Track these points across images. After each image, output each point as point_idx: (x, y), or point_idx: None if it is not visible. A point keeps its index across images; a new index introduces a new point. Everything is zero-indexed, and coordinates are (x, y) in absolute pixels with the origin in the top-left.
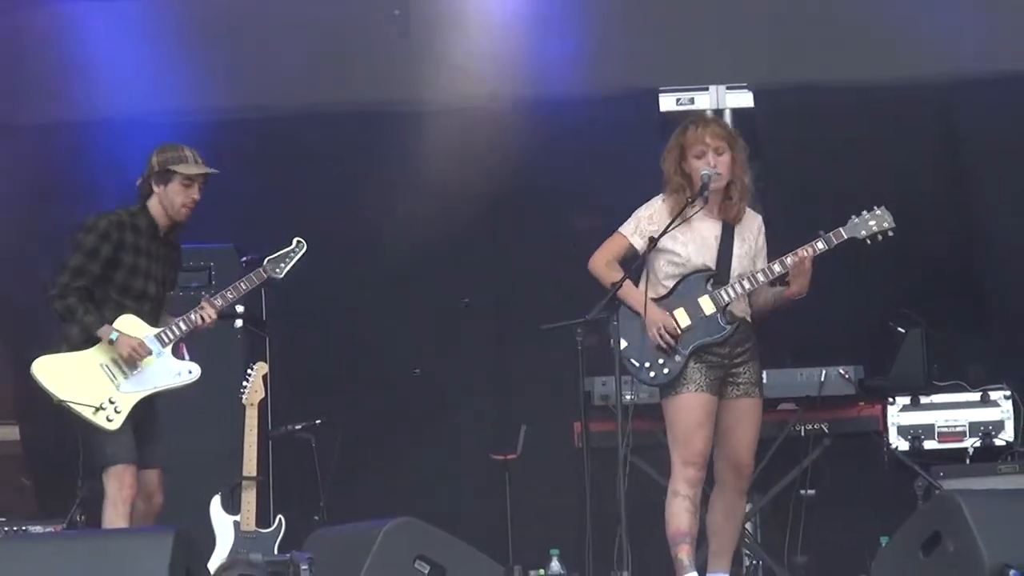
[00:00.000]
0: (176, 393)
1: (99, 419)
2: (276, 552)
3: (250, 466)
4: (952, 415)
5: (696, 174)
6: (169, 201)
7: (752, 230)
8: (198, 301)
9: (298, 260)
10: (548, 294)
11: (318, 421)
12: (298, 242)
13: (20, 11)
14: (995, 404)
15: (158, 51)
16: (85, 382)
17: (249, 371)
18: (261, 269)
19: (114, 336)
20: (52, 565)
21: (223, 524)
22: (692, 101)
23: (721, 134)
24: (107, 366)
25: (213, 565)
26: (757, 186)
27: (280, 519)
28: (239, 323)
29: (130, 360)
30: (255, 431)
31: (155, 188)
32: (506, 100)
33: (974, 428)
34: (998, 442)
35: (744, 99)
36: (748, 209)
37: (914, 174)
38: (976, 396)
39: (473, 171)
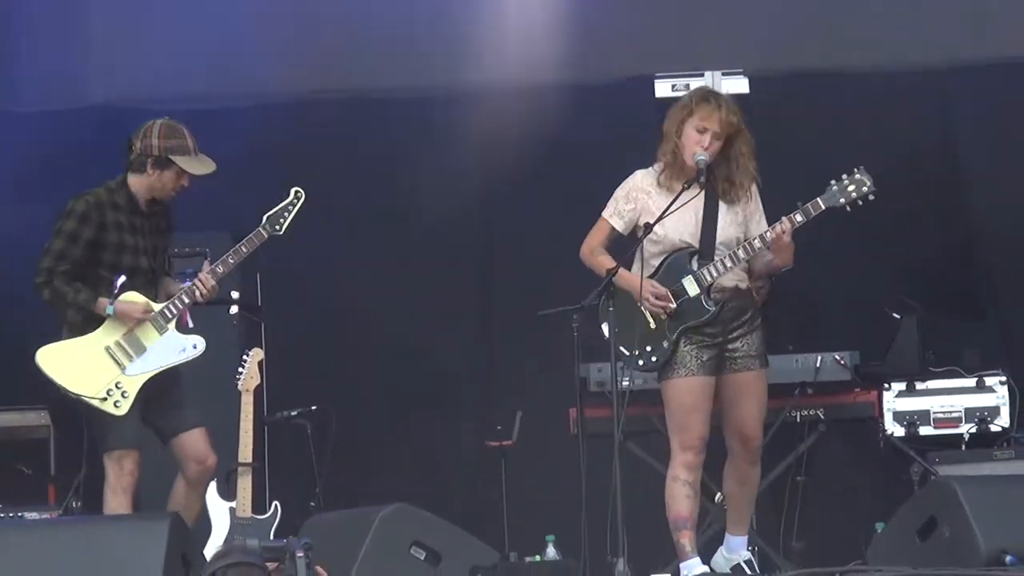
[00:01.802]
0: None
1: (107, 406)
2: (272, 538)
3: (246, 452)
4: (948, 401)
5: (688, 145)
6: (161, 185)
7: (746, 201)
8: (275, 222)
9: (297, 212)
10: (543, 281)
11: (314, 407)
12: (296, 192)
13: None
14: (991, 390)
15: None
16: (91, 369)
17: (245, 357)
18: (261, 228)
19: (110, 309)
20: (47, 552)
21: (219, 510)
22: (688, 87)
23: (732, 123)
24: (111, 349)
25: (209, 551)
26: None
27: (276, 505)
28: (234, 309)
29: (141, 322)
30: (251, 417)
31: (149, 170)
32: (508, 86)
33: (970, 414)
34: (994, 428)
35: (740, 85)
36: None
37: (908, 160)
38: (972, 382)
39: (467, 158)
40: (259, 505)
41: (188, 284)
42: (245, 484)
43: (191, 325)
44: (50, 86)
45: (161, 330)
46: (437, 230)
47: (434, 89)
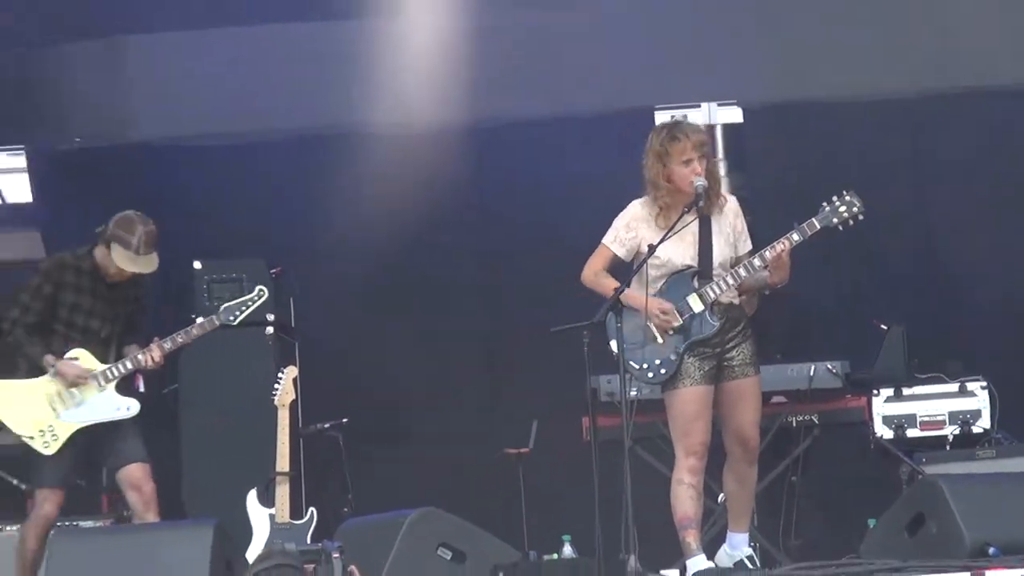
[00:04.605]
0: (215, 397)
1: (36, 444)
2: (309, 542)
3: (283, 463)
4: (933, 405)
5: (683, 181)
6: (104, 264)
7: (728, 216)
8: (231, 313)
9: (256, 308)
10: (554, 300)
11: (344, 420)
12: (259, 290)
13: None
14: (972, 394)
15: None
16: (29, 409)
17: (280, 375)
18: (215, 317)
19: (52, 370)
20: (102, 557)
21: (259, 517)
22: (686, 117)
23: (704, 140)
24: (51, 396)
25: (251, 555)
26: (741, 195)
27: (312, 511)
28: (270, 331)
29: (75, 383)
30: (287, 430)
31: (102, 247)
32: (509, 117)
33: (953, 417)
34: (976, 429)
35: (734, 115)
36: (724, 197)
37: (886, 183)
38: (955, 387)
39: (479, 188)
40: (296, 511)
41: (139, 355)
42: (283, 492)
43: (141, 389)
44: (93, 123)
45: (100, 388)
46: (455, 260)
47: (438, 124)
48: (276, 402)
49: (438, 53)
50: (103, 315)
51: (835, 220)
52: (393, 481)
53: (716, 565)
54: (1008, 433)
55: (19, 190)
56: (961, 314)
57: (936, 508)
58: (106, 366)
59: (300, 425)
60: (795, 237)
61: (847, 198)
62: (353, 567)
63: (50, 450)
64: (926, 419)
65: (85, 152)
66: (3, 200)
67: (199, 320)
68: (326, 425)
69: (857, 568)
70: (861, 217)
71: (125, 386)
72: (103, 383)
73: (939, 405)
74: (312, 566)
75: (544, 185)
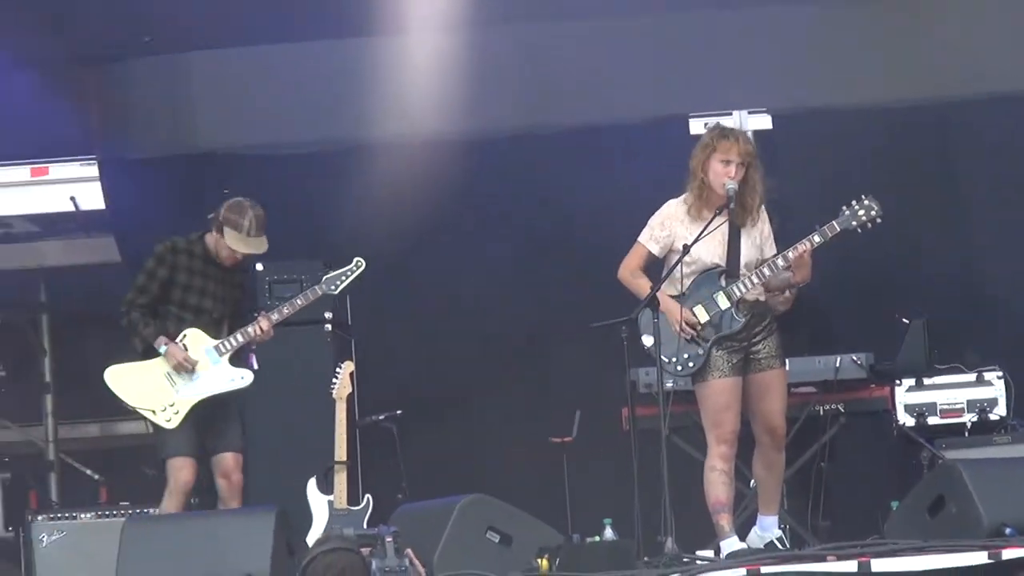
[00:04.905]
0: (277, 391)
1: (159, 420)
2: (365, 527)
3: (340, 452)
4: (952, 394)
5: (717, 178)
6: (216, 248)
7: (756, 221)
8: (332, 283)
9: (355, 278)
10: (593, 299)
11: (398, 412)
12: (357, 262)
13: None
14: (989, 384)
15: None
16: (149, 387)
17: (338, 369)
18: (317, 287)
19: (163, 349)
20: (171, 542)
21: (319, 503)
22: (718, 124)
23: (749, 151)
24: (169, 373)
25: (311, 539)
26: (772, 197)
27: (368, 498)
28: (328, 327)
29: (178, 368)
30: (344, 422)
31: (214, 231)
32: (553, 126)
33: (971, 405)
34: (992, 417)
35: (764, 122)
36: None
37: (912, 185)
38: (972, 377)
39: (527, 193)
40: (353, 498)
41: (248, 327)
42: (340, 480)
43: (255, 367)
44: (158, 134)
45: (215, 361)
46: (502, 261)
47: (483, 132)
48: (334, 395)
49: (488, 66)
50: (214, 295)
51: (854, 223)
52: (444, 469)
53: (748, 546)
54: (1023, 420)
55: (93, 198)
56: (979, 309)
57: (955, 491)
58: (218, 340)
59: (356, 417)
60: (816, 239)
61: (866, 202)
62: (409, 550)
63: (172, 424)
64: (946, 407)
65: (151, 161)
66: (78, 207)
67: (304, 291)
68: (381, 416)
69: (881, 547)
70: (879, 220)
71: (238, 363)
72: (218, 356)
73: (958, 394)
74: (368, 549)
75: (584, 190)
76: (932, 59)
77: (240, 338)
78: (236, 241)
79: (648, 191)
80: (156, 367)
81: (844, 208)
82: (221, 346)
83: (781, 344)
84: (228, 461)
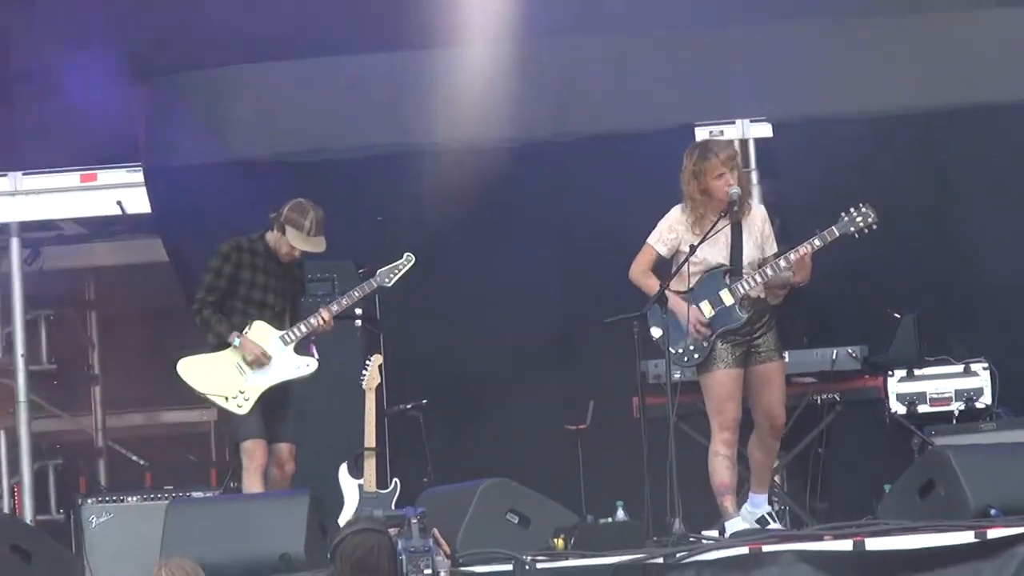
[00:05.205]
0: (310, 382)
1: (231, 406)
2: (393, 509)
3: (370, 439)
4: (941, 384)
5: (719, 192)
6: (277, 246)
7: (757, 222)
8: (386, 276)
9: (406, 272)
10: (607, 297)
11: (424, 401)
12: (407, 256)
13: None
14: (975, 374)
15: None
16: (220, 377)
17: (367, 362)
18: (373, 279)
19: (236, 342)
20: (213, 523)
21: (350, 487)
22: (722, 132)
23: (732, 154)
24: (239, 363)
25: (342, 520)
26: (772, 200)
27: (396, 482)
28: (358, 323)
29: (253, 363)
30: (373, 410)
31: (276, 230)
32: (570, 135)
33: (959, 394)
34: (979, 405)
35: (765, 130)
36: (750, 203)
37: (906, 189)
38: (960, 368)
39: (545, 203)
40: (382, 482)
41: (311, 318)
42: (370, 465)
43: (316, 356)
44: (198, 142)
45: (281, 350)
46: (523, 266)
47: (513, 140)
48: (364, 386)
49: (528, 77)
50: (276, 290)
51: (852, 229)
52: (467, 455)
53: (740, 519)
54: (1007, 408)
55: (139, 202)
56: (966, 305)
57: (944, 475)
58: (283, 331)
59: (385, 406)
60: (816, 243)
61: (863, 210)
62: (434, 530)
63: (243, 410)
64: (935, 396)
65: (194, 168)
66: (124, 211)
67: (361, 284)
68: (408, 406)
69: (875, 527)
70: (875, 227)
71: (302, 352)
72: (284, 345)
73: (946, 384)
74: (396, 529)
75: (603, 194)
76: (927, 70)
77: (304, 328)
78: (297, 240)
79: (664, 195)
80: (225, 357)
81: (843, 214)
82: (287, 336)
83: (780, 338)
84: (284, 451)
